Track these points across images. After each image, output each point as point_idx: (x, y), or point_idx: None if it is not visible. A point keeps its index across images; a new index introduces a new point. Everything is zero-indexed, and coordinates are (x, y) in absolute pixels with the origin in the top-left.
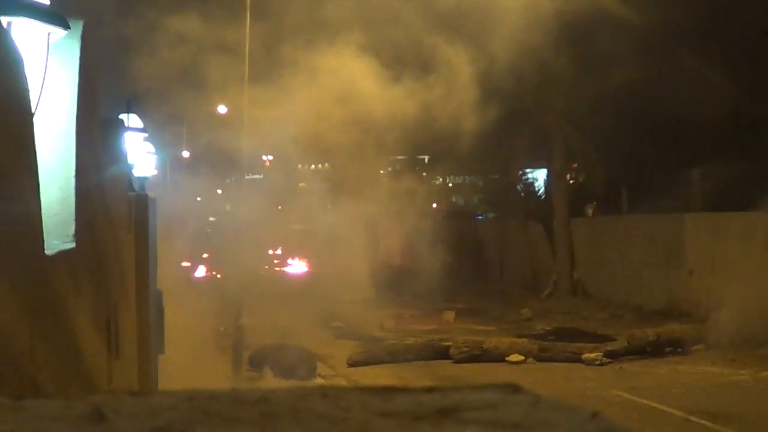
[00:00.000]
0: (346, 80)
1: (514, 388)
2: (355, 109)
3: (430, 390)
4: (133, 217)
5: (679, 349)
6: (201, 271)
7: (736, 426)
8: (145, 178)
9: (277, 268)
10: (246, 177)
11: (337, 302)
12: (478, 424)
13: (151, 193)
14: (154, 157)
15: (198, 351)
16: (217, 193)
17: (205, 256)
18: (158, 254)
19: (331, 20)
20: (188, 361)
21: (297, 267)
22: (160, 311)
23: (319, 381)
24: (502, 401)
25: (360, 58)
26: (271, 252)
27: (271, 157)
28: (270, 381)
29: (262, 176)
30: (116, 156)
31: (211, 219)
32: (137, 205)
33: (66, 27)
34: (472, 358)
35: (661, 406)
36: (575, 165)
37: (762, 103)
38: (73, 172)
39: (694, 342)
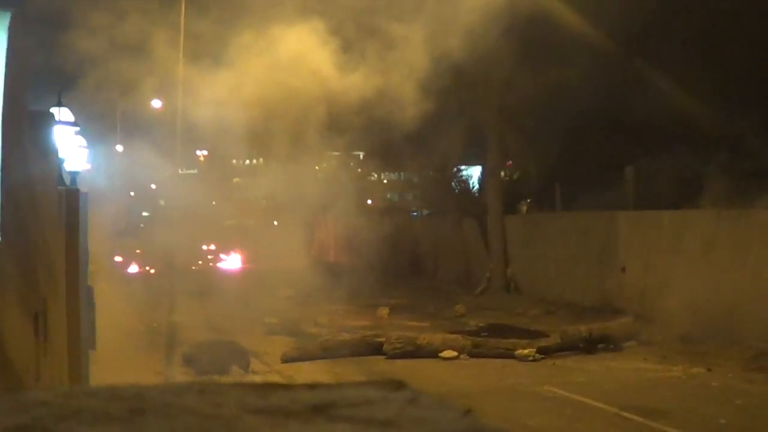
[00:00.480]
0: (280, 74)
1: (397, 385)
2: (289, 103)
3: (311, 386)
4: (63, 212)
5: (612, 346)
6: (134, 267)
7: (667, 421)
8: (76, 173)
9: (211, 264)
10: (180, 172)
11: (272, 298)
12: (350, 421)
13: (82, 188)
14: (86, 151)
15: (130, 347)
16: (151, 187)
17: (138, 251)
18: (90, 249)
19: (265, 13)
20: (120, 357)
21: (231, 263)
22: (92, 307)
23: (252, 377)
24: (380, 398)
25: (293, 52)
26: (205, 247)
27: (205, 152)
28: (202, 377)
29: (196, 171)
30: (46, 150)
31: (145, 214)
32: (68, 199)
33: None
34: (406, 354)
35: (593, 402)
36: (510, 162)
37: (698, 102)
38: None
39: (626, 339)
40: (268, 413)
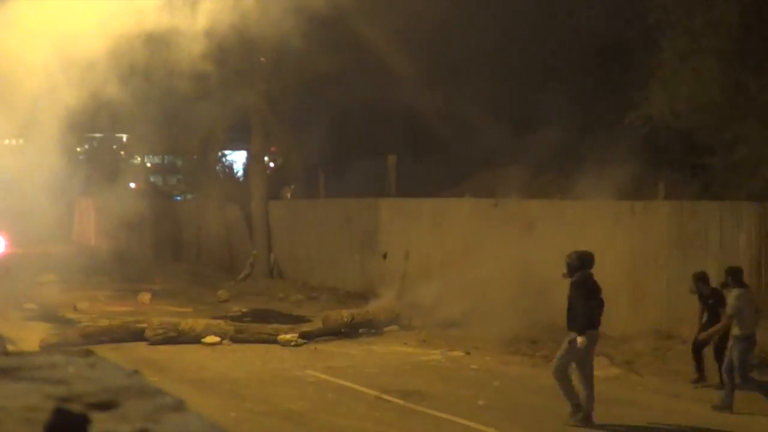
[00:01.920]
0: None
1: (86, 353)
2: (50, 82)
3: (7, 354)
4: None
5: (373, 330)
6: None
7: (427, 403)
8: None
9: None
10: None
11: (31, 283)
12: (30, 381)
13: None
14: None
15: None
16: None
17: None
18: None
19: None
20: None
21: None
22: None
23: None
24: (64, 363)
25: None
26: None
27: None
28: None
29: None
30: None
31: None
32: None
33: None
34: (168, 340)
35: (354, 386)
36: (274, 148)
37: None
38: None
39: (388, 323)
40: None
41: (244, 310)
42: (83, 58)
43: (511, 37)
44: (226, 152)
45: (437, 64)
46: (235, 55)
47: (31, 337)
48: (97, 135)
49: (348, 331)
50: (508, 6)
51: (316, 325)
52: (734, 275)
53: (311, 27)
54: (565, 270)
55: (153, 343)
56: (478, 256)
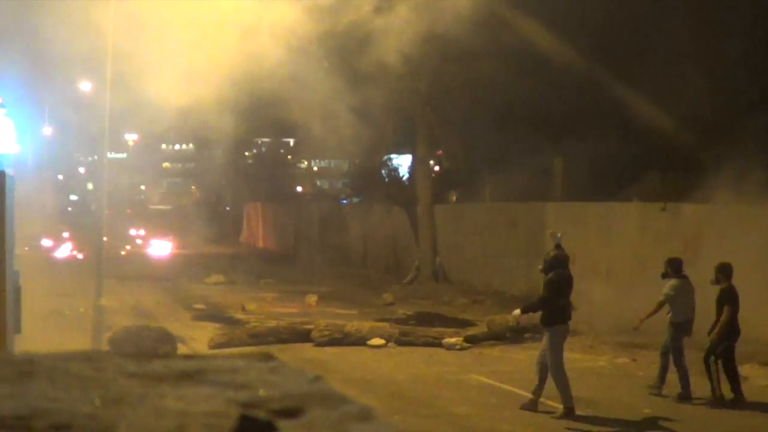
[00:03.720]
0: (211, 56)
1: (266, 357)
2: (219, 87)
3: (187, 357)
4: None
5: (538, 335)
6: (62, 251)
7: (592, 410)
8: (4, 155)
9: (140, 249)
10: (109, 156)
11: (200, 284)
12: (212, 384)
13: (10, 171)
14: (15, 133)
15: (57, 331)
16: (79, 171)
17: (65, 235)
18: (17, 233)
19: None
20: (46, 341)
21: (160, 248)
22: (17, 290)
23: None
24: (245, 366)
25: (225, 34)
26: (134, 232)
27: (135, 137)
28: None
29: (125, 155)
30: None
31: (73, 198)
32: None
33: None
34: (334, 342)
35: (518, 391)
36: (440, 152)
37: (628, 95)
38: None
39: None
40: (142, 377)
41: (409, 313)
42: (254, 64)
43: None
44: (392, 156)
45: (616, 58)
46: (400, 60)
47: (200, 336)
48: (265, 139)
49: (513, 336)
50: None
51: (481, 329)
52: (673, 266)
53: (475, 30)
54: (540, 267)
55: (318, 345)
56: (646, 260)
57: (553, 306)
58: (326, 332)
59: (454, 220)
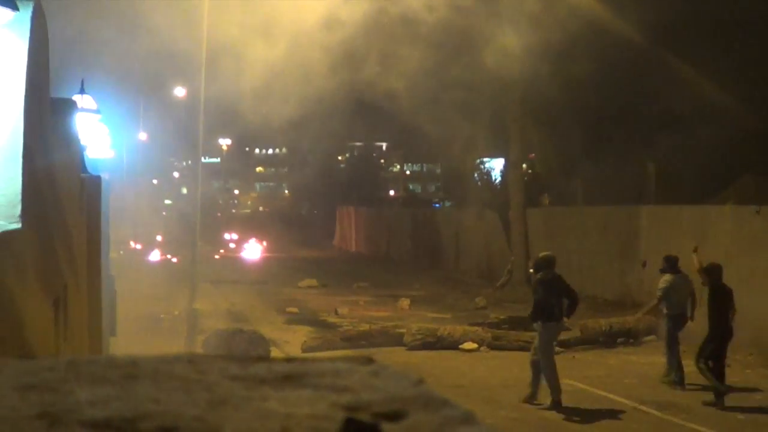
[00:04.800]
0: (305, 63)
1: (367, 360)
2: (314, 92)
3: (289, 360)
4: (85, 199)
5: (631, 340)
6: (156, 255)
7: (684, 416)
8: (100, 160)
9: (233, 253)
10: (203, 160)
11: (292, 288)
12: (314, 387)
13: (105, 175)
14: (109, 138)
15: (151, 334)
16: (174, 176)
17: (159, 239)
18: (111, 236)
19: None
20: (140, 344)
21: (253, 251)
22: (113, 294)
23: None
24: (347, 370)
25: (319, 40)
26: (227, 236)
27: (229, 142)
28: None
29: (219, 160)
30: (68, 137)
31: (167, 202)
32: (89, 186)
33: (14, 8)
34: (426, 346)
35: (611, 396)
36: (532, 155)
37: (723, 97)
38: (20, 152)
39: (646, 333)
40: (245, 380)
41: (501, 317)
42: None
43: None
44: (485, 159)
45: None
46: (493, 63)
47: (293, 339)
48: (358, 143)
49: (606, 341)
50: None
51: (574, 333)
52: (669, 262)
53: (572, 31)
54: (531, 268)
55: (411, 348)
56: (741, 266)
57: (546, 304)
58: (419, 336)
59: (547, 224)
